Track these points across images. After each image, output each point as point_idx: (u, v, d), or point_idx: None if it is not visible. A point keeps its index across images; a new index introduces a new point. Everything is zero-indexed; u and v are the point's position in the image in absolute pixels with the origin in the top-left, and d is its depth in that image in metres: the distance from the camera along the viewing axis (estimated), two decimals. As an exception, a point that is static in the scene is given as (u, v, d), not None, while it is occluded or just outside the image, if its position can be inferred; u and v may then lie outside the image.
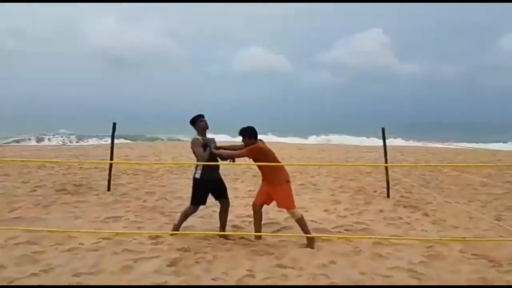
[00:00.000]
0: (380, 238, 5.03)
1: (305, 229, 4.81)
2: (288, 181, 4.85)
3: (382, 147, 8.16)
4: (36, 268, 3.73)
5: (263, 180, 4.97)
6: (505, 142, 31.14)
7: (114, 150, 7.88)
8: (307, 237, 4.77)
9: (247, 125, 4.88)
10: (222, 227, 5.06)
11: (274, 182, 4.81)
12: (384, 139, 8.15)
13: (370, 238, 5.07)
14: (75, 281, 3.48)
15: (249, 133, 4.81)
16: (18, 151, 16.09)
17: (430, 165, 13.28)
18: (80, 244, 4.50)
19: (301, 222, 4.80)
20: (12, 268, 3.72)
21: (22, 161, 11.73)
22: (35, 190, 7.64)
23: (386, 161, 8.13)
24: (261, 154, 4.72)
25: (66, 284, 3.42)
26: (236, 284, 3.63)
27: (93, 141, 29.00)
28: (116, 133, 7.66)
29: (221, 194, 5.05)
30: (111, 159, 7.66)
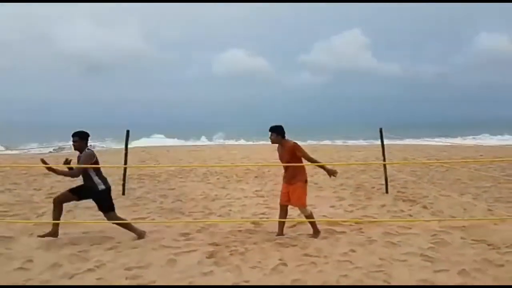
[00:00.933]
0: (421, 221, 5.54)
1: (313, 224, 5.30)
2: (306, 181, 5.30)
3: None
4: (90, 265, 4.08)
5: (284, 178, 5.39)
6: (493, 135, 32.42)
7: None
8: (313, 230, 5.28)
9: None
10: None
11: (293, 180, 5.24)
12: (382, 138, 8.72)
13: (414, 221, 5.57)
14: (130, 274, 3.84)
15: (278, 131, 5.22)
16: (15, 159, 16.05)
17: (440, 162, 13.96)
18: (118, 243, 4.85)
19: (310, 218, 5.27)
20: (68, 265, 4.06)
21: (28, 166, 11.83)
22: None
23: (384, 159, 8.69)
24: (299, 152, 5.14)
25: (124, 279, 3.77)
26: (272, 272, 4.04)
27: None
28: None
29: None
30: (125, 163, 7.96)
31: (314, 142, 29.96)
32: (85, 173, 4.93)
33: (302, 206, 5.22)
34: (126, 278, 3.77)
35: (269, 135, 5.28)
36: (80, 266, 4.06)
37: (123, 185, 8.16)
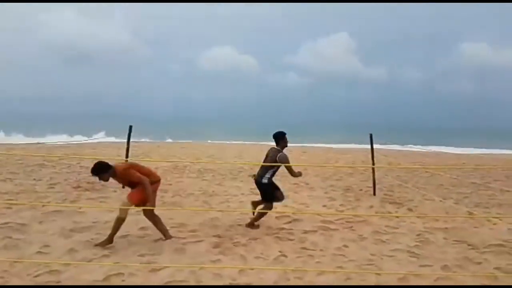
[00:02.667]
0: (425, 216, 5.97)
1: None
2: None
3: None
4: (104, 251, 4.37)
5: None
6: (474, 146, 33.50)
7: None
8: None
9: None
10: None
11: None
12: (371, 144, 9.18)
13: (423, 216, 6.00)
14: (144, 260, 4.16)
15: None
16: (6, 149, 16.02)
17: (425, 167, 14.53)
18: (127, 232, 5.14)
19: None
20: (84, 251, 4.35)
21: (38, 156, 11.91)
22: (53, 187, 8.08)
23: (373, 163, 9.16)
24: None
25: (138, 264, 4.09)
26: (274, 262, 4.41)
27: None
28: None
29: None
30: (127, 157, 8.21)
31: (300, 144, 30.44)
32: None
33: None
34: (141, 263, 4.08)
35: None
36: (96, 252, 4.35)
37: (123, 178, 8.40)
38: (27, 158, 12.37)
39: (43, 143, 23.20)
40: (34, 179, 8.94)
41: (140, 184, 4.60)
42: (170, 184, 9.24)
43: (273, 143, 5.94)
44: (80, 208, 6.38)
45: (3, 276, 3.67)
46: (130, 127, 8.18)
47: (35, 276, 3.67)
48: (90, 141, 20.15)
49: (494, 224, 6.53)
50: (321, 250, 4.90)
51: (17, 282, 3.56)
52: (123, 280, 3.68)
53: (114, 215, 5.95)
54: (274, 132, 5.93)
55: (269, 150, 5.90)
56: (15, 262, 3.94)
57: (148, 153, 17.08)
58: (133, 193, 4.68)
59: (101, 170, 4.57)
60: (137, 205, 4.71)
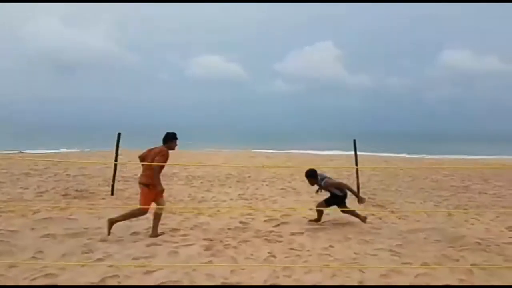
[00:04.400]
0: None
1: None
2: None
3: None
4: (99, 255, 4.49)
5: None
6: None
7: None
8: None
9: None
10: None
11: None
12: (355, 148, 9.50)
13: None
14: (138, 263, 4.29)
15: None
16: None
17: (408, 168, 14.92)
18: (120, 237, 5.26)
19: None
20: (78, 255, 4.45)
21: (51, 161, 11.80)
22: (41, 195, 8.09)
23: (356, 164, 9.48)
24: None
25: (132, 265, 4.22)
26: (264, 263, 4.60)
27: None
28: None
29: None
30: (115, 166, 8.30)
31: (285, 151, 30.80)
32: None
33: None
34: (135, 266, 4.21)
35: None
36: (90, 256, 4.47)
37: (112, 186, 8.48)
38: (12, 167, 12.28)
39: (25, 152, 22.91)
40: (21, 188, 8.92)
41: None
42: (159, 191, 9.33)
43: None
44: (70, 215, 6.45)
45: (-1, 280, 3.76)
46: (119, 134, 8.29)
47: (32, 280, 3.77)
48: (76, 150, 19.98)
49: (472, 224, 6.86)
50: (308, 250, 5.10)
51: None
52: (119, 282, 3.81)
53: (105, 221, 6.07)
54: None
55: None
56: (11, 267, 4.02)
57: (134, 159, 17.04)
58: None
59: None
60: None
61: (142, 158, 5.56)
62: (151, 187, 5.34)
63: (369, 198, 9.44)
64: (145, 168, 5.40)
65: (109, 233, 5.20)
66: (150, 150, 5.56)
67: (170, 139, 5.58)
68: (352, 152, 9.71)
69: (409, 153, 31.42)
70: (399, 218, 7.39)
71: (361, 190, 9.91)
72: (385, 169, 16.83)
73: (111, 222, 5.25)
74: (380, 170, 16.39)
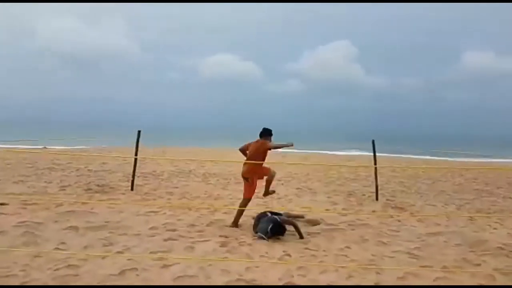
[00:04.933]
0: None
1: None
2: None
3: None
4: (118, 248, 4.61)
5: None
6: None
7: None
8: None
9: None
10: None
11: None
12: (374, 149, 9.39)
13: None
14: (156, 257, 4.37)
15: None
16: (2, 155, 16.33)
17: (427, 167, 14.66)
18: (138, 232, 5.37)
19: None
20: (100, 248, 4.58)
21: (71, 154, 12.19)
22: (64, 189, 8.33)
23: (375, 163, 9.36)
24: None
25: (150, 258, 4.30)
26: (278, 261, 4.61)
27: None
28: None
29: None
30: (135, 162, 8.47)
31: (301, 151, 30.58)
32: None
33: None
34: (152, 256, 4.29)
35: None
36: (110, 248, 4.58)
37: (132, 181, 8.66)
38: (38, 161, 12.68)
39: (46, 148, 23.56)
40: (45, 182, 9.20)
41: None
42: (177, 187, 9.47)
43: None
44: (92, 208, 6.61)
45: (24, 269, 3.89)
46: (139, 132, 8.45)
47: (55, 270, 3.89)
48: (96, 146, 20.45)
49: (495, 228, 6.69)
50: (323, 250, 5.08)
51: (37, 276, 3.78)
52: (137, 275, 3.90)
53: (125, 215, 6.22)
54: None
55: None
56: (36, 257, 4.17)
57: (153, 157, 17.34)
58: None
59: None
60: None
61: (244, 151, 6.32)
62: (250, 180, 6.13)
63: (387, 200, 9.32)
64: (246, 163, 6.14)
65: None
66: (249, 144, 6.23)
67: (268, 134, 6.17)
68: (370, 153, 9.59)
69: (431, 155, 30.82)
70: (419, 221, 7.27)
71: (379, 192, 9.82)
72: (405, 171, 16.56)
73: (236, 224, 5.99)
74: (400, 171, 16.14)
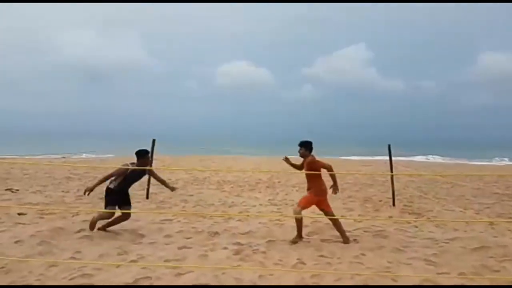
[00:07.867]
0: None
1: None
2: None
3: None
4: (133, 256, 4.65)
5: None
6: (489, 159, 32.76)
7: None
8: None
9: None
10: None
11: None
12: (390, 153, 9.25)
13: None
14: (170, 265, 4.39)
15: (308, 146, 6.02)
16: (23, 166, 16.74)
17: (447, 174, 14.39)
18: (153, 240, 5.41)
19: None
20: (115, 257, 4.63)
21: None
22: (81, 199, 8.47)
23: (391, 170, 9.22)
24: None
25: (163, 266, 4.33)
26: (292, 269, 4.57)
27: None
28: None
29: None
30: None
31: (318, 157, 30.31)
32: None
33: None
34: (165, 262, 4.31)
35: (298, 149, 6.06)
36: (125, 257, 4.63)
37: (147, 190, 8.75)
38: (55, 171, 12.94)
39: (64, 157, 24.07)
40: (62, 191, 9.38)
41: None
42: (192, 195, 9.53)
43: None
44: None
45: (39, 278, 3.96)
46: (153, 140, 8.54)
47: (70, 279, 3.95)
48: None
49: (515, 233, 6.49)
50: (338, 258, 5.01)
51: (52, 285, 3.84)
52: (151, 283, 3.92)
53: (140, 224, 6.28)
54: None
55: None
56: (51, 266, 4.24)
57: (169, 165, 17.51)
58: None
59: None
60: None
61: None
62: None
63: (405, 205, 9.17)
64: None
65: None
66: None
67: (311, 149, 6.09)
68: (387, 157, 9.45)
69: (450, 158, 30.21)
70: (436, 226, 7.12)
71: (397, 197, 9.66)
72: (422, 175, 16.27)
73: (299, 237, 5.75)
74: (417, 176, 15.86)
